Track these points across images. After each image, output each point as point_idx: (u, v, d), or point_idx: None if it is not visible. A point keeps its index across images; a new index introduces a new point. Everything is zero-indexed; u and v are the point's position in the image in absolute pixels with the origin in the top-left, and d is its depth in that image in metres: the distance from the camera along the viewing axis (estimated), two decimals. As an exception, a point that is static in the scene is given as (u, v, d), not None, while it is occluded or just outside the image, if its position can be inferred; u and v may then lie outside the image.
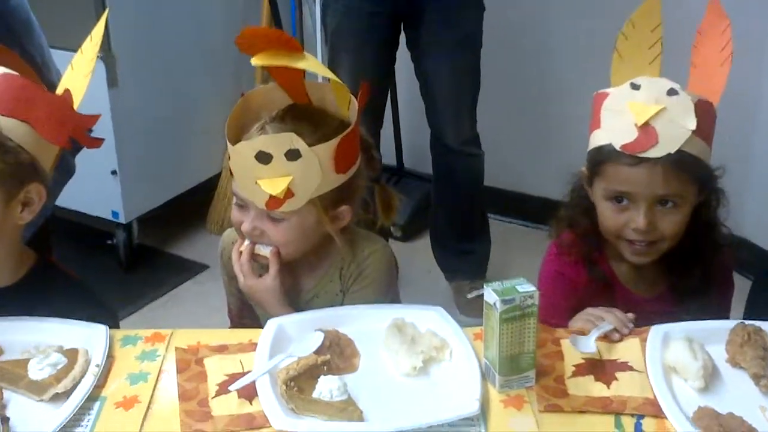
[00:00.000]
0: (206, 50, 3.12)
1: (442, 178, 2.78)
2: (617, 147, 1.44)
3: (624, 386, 1.26)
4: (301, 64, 1.37)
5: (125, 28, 2.79)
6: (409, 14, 2.52)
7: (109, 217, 3.01)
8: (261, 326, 1.45)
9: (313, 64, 1.40)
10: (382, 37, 2.56)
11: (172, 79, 3.05)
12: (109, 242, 3.05)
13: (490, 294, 1.23)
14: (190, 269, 3.01)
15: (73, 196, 1.85)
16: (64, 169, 1.67)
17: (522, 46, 3.09)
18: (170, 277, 2.99)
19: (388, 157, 3.24)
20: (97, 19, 1.48)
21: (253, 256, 1.53)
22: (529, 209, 3.12)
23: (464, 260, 2.81)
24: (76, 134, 1.44)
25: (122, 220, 3.00)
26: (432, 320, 1.38)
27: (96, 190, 2.87)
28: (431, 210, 2.88)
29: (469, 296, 2.68)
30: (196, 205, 3.16)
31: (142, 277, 3.02)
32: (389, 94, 3.03)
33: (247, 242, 1.53)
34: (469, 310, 2.63)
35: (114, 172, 2.91)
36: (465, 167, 2.72)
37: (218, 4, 3.18)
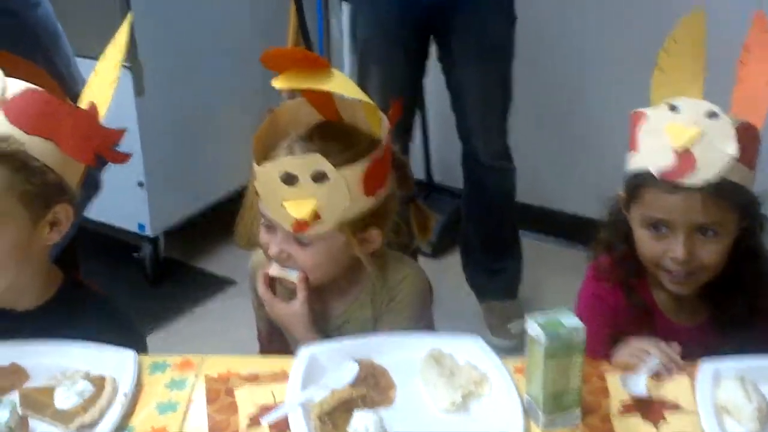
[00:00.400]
0: (234, 58, 3.09)
1: (472, 193, 2.74)
2: (654, 173, 1.38)
3: (673, 427, 1.21)
4: (326, 86, 1.33)
5: (151, 37, 2.77)
6: (439, 26, 2.49)
7: (136, 229, 2.98)
8: (291, 350, 1.42)
9: (340, 84, 1.35)
10: (412, 48, 2.53)
11: (200, 88, 3.02)
12: (135, 255, 3.03)
13: (534, 327, 1.18)
14: (218, 284, 2.98)
15: (99, 208, 1.82)
16: (90, 186, 1.64)
17: (556, 59, 3.04)
18: (197, 292, 2.96)
19: (417, 170, 3.20)
20: (121, 24, 1.44)
21: (281, 281, 1.50)
22: (563, 227, 3.07)
23: (495, 279, 2.76)
24: (102, 150, 1.40)
25: (149, 233, 2.97)
26: (471, 351, 1.33)
27: (122, 202, 2.85)
28: (462, 226, 2.83)
29: (511, 328, 2.63)
30: (224, 218, 3.12)
31: (168, 292, 2.98)
32: (419, 107, 2.99)
33: (273, 265, 1.49)
34: (500, 332, 2.59)
35: (141, 184, 2.89)
36: (496, 182, 2.67)
37: (246, 11, 3.15)
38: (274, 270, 1.50)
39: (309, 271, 1.47)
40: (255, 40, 3.11)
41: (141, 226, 2.97)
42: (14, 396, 1.28)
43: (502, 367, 1.29)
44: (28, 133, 1.30)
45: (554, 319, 1.18)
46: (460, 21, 2.45)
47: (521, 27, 2.51)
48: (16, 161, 1.30)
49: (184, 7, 2.92)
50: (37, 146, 1.31)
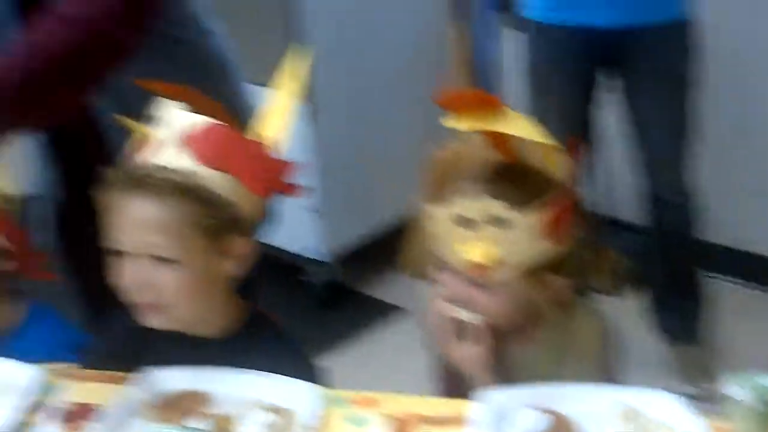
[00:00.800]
0: (411, 79, 3.10)
1: (653, 230, 2.63)
2: None
3: None
4: (502, 127, 1.29)
5: (326, 64, 2.81)
6: (615, 55, 2.41)
7: (307, 253, 3.03)
8: (466, 389, 1.37)
9: (518, 124, 1.30)
10: (586, 77, 2.47)
11: (376, 112, 3.05)
12: (304, 279, 3.07)
13: (740, 390, 1.09)
14: (387, 312, 2.98)
15: (273, 232, 1.84)
16: (267, 216, 1.66)
17: (747, 90, 2.89)
18: (366, 319, 2.97)
19: (594, 205, 3.11)
20: (291, 52, 1.45)
21: (457, 321, 1.46)
22: (754, 269, 2.91)
23: (678, 320, 2.63)
24: (277, 183, 1.41)
25: (322, 258, 3.00)
26: (665, 408, 1.24)
27: (296, 226, 2.90)
28: (642, 263, 2.72)
29: (698, 376, 2.50)
30: (395, 245, 3.12)
31: (337, 318, 3.00)
32: (593, 139, 2.91)
33: (449, 306, 1.46)
34: (685, 378, 2.46)
35: (315, 209, 2.93)
36: (678, 219, 2.56)
37: (418, 40, 3.15)
38: (450, 310, 1.46)
39: (486, 314, 1.43)
40: (431, 61, 3.11)
41: (313, 251, 3.01)
42: (198, 423, 1.30)
43: (701, 428, 1.20)
44: (210, 168, 1.33)
45: (758, 382, 1.09)
46: (638, 50, 2.37)
47: (708, 57, 2.41)
48: (199, 196, 1.33)
49: (358, 35, 2.96)
50: (218, 180, 1.34)
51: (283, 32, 2.73)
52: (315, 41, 2.74)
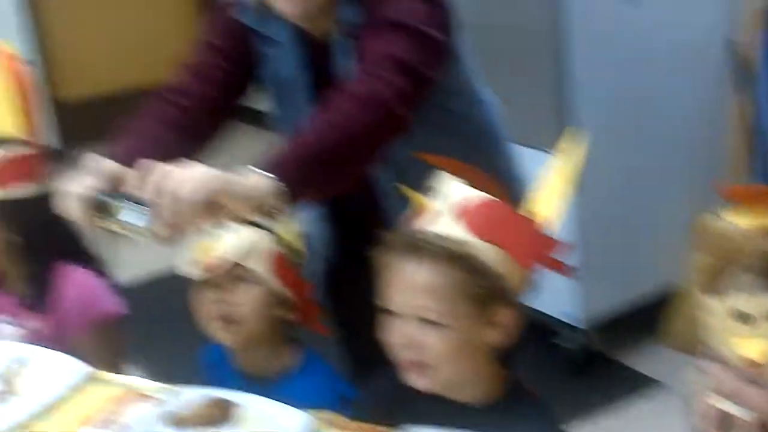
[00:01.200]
0: (682, 151, 3.01)
1: None
2: None
3: None
4: None
5: (592, 129, 2.76)
6: None
7: (563, 318, 2.99)
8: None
9: None
10: None
11: (639, 181, 2.97)
12: (558, 343, 3.03)
13: None
14: (643, 383, 2.87)
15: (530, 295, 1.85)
16: (529, 287, 1.68)
17: None
18: (620, 390, 2.88)
19: None
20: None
21: (725, 414, 1.39)
22: None
23: None
24: (545, 258, 1.43)
25: (577, 323, 2.96)
26: None
27: (552, 290, 2.84)
28: None
29: None
30: (653, 313, 3.02)
31: (590, 385, 2.93)
32: None
33: (717, 398, 1.39)
34: None
35: (575, 277, 2.90)
36: None
37: (688, 99, 3.01)
38: (718, 402, 1.40)
39: (757, 411, 1.34)
40: (697, 130, 3.00)
41: (571, 316, 2.97)
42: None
43: None
44: (482, 240, 1.38)
45: None
46: None
47: None
48: (470, 265, 1.38)
49: (628, 108, 2.89)
50: (489, 252, 1.38)
51: (553, 97, 2.72)
52: (584, 111, 2.71)
